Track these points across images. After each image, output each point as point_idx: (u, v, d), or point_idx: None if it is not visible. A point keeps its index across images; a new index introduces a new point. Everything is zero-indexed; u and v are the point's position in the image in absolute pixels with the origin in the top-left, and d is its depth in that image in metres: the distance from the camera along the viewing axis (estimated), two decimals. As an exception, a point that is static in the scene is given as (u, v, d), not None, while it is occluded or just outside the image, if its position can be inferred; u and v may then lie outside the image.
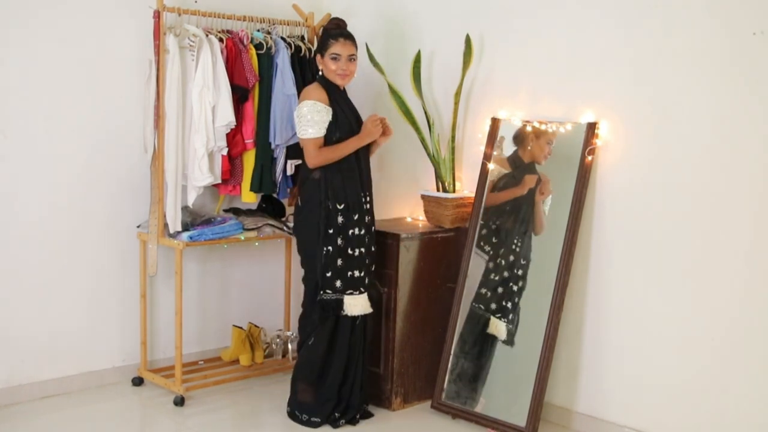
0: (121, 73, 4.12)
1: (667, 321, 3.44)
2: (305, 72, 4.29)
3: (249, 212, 4.39)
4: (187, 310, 4.35)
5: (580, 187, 3.64)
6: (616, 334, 3.61)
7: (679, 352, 3.41)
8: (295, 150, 4.15)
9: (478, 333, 3.88)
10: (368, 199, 3.79)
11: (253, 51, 4.13)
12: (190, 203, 4.09)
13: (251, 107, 4.15)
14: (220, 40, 4.03)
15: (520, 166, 3.89)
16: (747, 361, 3.22)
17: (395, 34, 4.51)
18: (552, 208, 3.73)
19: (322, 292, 3.68)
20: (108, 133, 4.11)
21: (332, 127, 3.68)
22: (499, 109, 4.02)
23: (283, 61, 4.18)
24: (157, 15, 3.89)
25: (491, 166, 3.98)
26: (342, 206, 3.69)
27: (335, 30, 3.75)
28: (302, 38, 4.40)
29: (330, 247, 3.67)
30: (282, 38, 4.25)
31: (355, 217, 3.71)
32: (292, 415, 3.81)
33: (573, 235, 3.64)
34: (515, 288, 3.78)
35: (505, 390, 3.73)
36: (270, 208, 4.44)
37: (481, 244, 3.95)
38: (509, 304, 3.79)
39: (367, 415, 3.87)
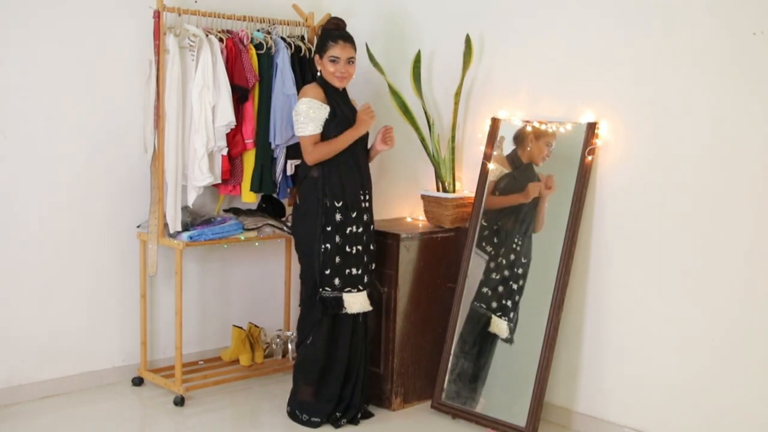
0: (121, 73, 4.12)
1: (667, 321, 3.44)
2: (305, 72, 4.29)
3: (249, 212, 4.39)
4: (187, 310, 4.35)
5: (580, 187, 3.64)
6: (616, 334, 3.61)
7: (679, 352, 3.41)
8: (295, 150, 4.15)
9: (478, 333, 3.88)
10: (367, 197, 3.79)
11: (253, 51, 4.13)
12: (190, 203, 4.09)
13: (251, 107, 4.15)
14: (220, 40, 4.03)
15: (519, 166, 3.89)
16: (747, 361, 3.22)
17: (395, 34, 4.51)
18: (552, 208, 3.73)
19: (321, 290, 3.68)
20: (108, 133, 4.11)
21: (330, 125, 3.68)
22: (499, 109, 4.02)
23: (283, 61, 4.18)
24: (157, 15, 3.89)
25: (491, 166, 3.98)
26: (340, 204, 3.69)
27: (335, 32, 3.73)
28: (302, 38, 4.40)
29: (328, 245, 3.67)
30: (282, 38, 4.25)
31: (354, 215, 3.71)
32: (292, 414, 3.81)
33: (573, 234, 3.64)
34: (515, 287, 3.79)
35: (505, 390, 3.73)
36: (270, 208, 4.44)
37: (483, 244, 3.94)
38: (509, 303, 3.79)
39: (368, 415, 3.87)
